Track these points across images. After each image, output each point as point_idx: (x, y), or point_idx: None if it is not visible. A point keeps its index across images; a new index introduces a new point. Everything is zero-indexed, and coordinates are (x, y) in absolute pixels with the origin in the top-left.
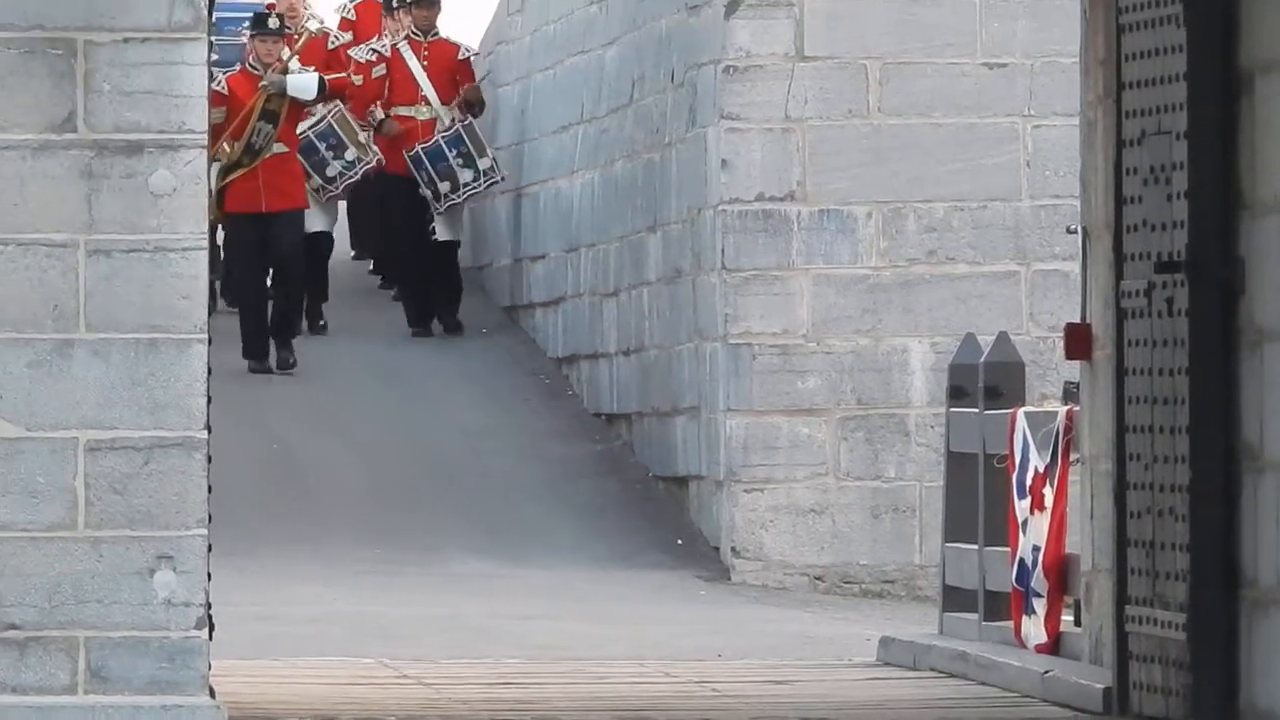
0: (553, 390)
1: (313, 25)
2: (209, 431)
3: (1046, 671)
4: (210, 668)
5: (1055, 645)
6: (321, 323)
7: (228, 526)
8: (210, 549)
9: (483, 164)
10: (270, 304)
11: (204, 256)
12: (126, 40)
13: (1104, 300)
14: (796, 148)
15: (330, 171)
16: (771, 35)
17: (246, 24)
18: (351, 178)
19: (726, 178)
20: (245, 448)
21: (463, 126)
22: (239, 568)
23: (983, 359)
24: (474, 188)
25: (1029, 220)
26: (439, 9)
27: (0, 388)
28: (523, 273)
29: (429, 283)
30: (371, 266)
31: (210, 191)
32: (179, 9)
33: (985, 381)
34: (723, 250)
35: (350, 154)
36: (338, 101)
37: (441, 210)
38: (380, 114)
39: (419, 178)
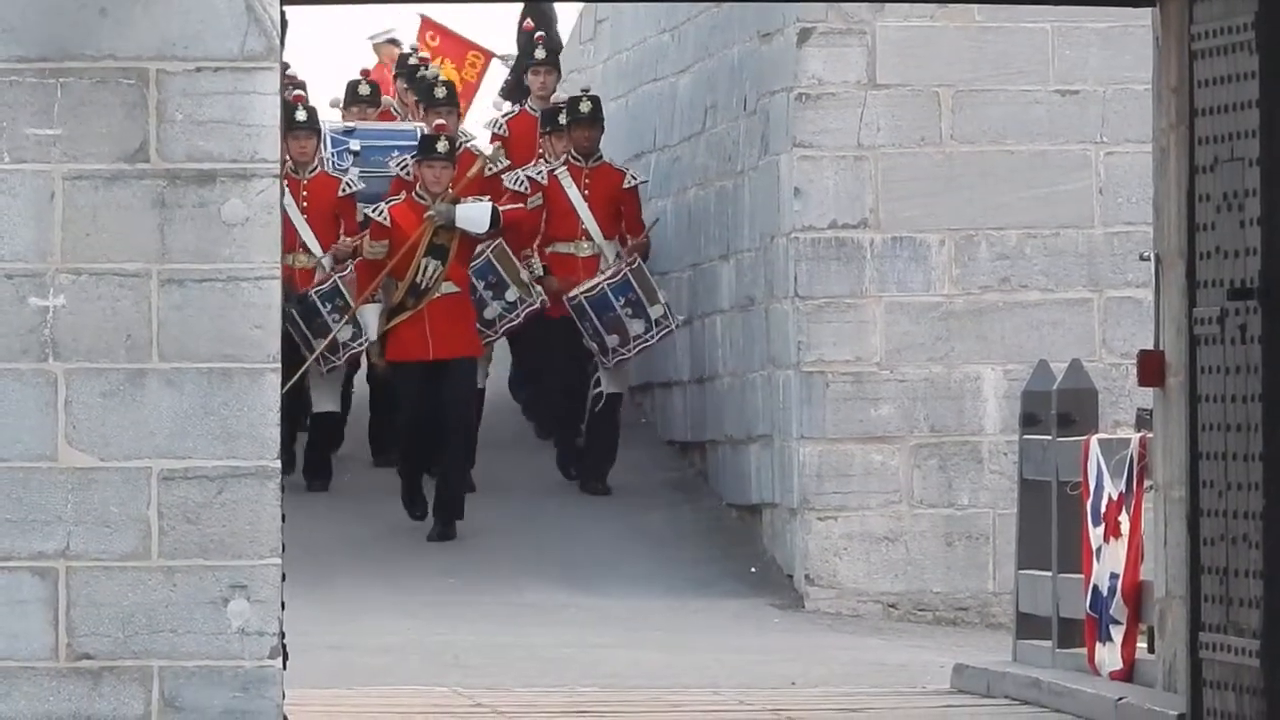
0: (625, 419)
1: (485, 148)
2: (281, 460)
3: (1120, 698)
4: (284, 697)
5: (1129, 672)
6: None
7: (302, 556)
8: (284, 578)
9: (654, 312)
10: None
11: (277, 286)
12: (199, 70)
13: (1177, 327)
14: (869, 175)
15: (489, 314)
16: (844, 63)
17: (396, 152)
18: (513, 320)
19: (799, 205)
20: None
21: (630, 270)
22: (313, 597)
23: (1056, 386)
24: (645, 340)
25: (1102, 247)
26: (601, 128)
27: (74, 418)
28: None
29: (578, 437)
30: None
31: (366, 336)
32: (251, 38)
33: (1058, 409)
34: (795, 278)
35: (512, 293)
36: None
37: (609, 365)
38: (539, 267)
39: (582, 329)
